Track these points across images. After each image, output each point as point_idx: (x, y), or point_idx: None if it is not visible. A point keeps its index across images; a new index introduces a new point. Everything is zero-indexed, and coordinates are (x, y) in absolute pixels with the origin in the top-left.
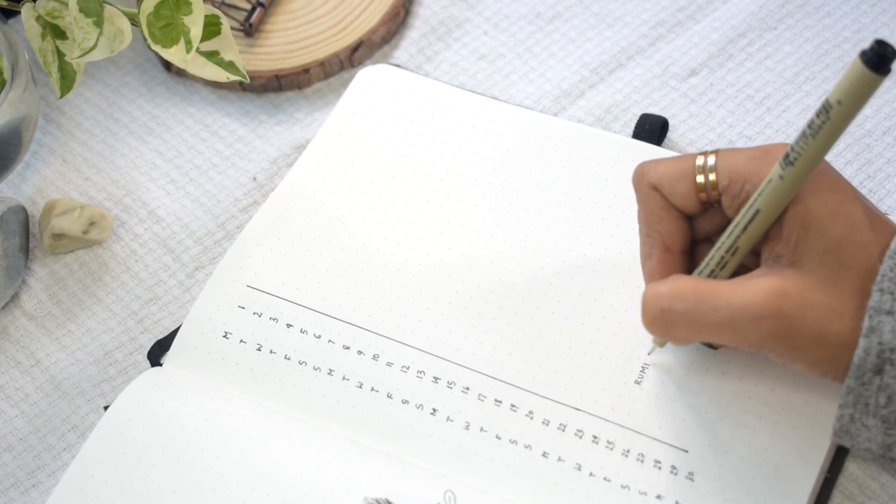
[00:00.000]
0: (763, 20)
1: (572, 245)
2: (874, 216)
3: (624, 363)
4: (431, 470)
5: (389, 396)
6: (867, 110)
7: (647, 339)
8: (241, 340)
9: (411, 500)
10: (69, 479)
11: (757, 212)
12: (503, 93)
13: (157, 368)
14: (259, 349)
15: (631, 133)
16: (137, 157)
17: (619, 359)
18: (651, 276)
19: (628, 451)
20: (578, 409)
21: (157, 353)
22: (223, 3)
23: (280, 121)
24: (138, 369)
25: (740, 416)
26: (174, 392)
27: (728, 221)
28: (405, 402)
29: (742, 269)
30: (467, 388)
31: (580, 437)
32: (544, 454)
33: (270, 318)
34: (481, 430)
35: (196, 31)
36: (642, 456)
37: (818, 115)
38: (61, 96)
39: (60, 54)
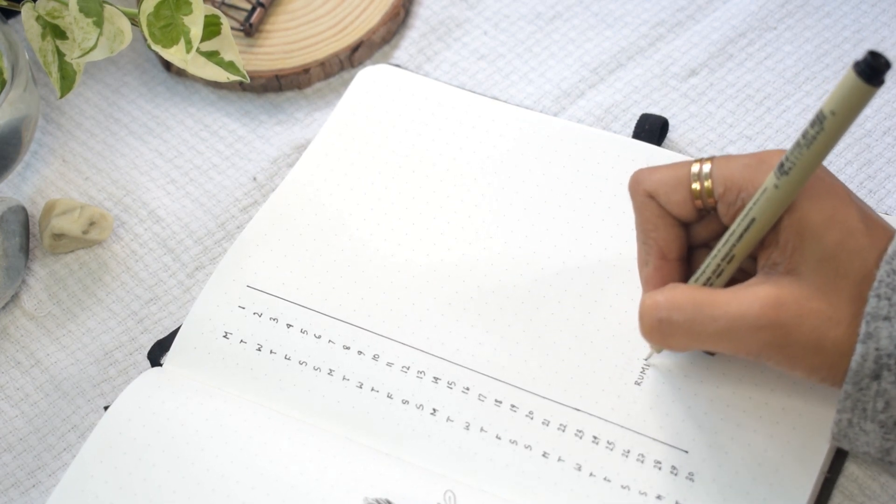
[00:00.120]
0: (763, 20)
1: (572, 245)
2: (870, 220)
3: (624, 364)
4: (431, 470)
5: (389, 397)
6: (867, 110)
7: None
8: (242, 340)
9: (411, 500)
10: (69, 479)
11: (752, 221)
12: (503, 93)
13: (157, 368)
14: (259, 349)
15: (631, 133)
16: (137, 157)
17: (619, 359)
18: (648, 283)
19: (628, 452)
20: (578, 410)
21: (157, 353)
22: (223, 3)
23: (280, 121)
24: (138, 369)
25: (740, 417)
26: (174, 392)
27: (724, 228)
28: (405, 402)
29: (741, 273)
30: (467, 389)
31: (580, 438)
32: (544, 454)
33: (271, 319)
34: (481, 430)
35: (196, 31)
36: (642, 456)
37: (812, 125)
38: (61, 96)
39: (60, 54)
